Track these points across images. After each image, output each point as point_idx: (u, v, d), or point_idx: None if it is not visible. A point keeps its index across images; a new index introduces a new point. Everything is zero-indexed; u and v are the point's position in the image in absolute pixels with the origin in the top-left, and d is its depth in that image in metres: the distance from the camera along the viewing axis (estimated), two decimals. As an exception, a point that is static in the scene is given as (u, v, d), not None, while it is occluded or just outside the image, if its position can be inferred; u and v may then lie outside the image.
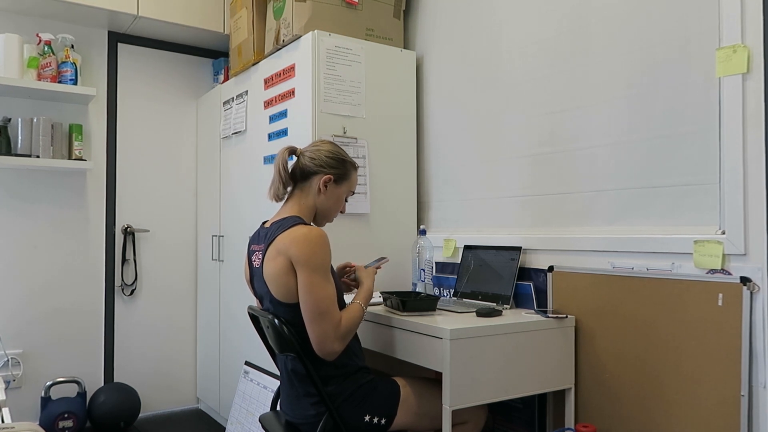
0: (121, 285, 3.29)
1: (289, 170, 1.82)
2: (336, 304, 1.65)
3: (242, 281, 2.90)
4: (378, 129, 2.54)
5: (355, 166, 1.88)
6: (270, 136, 2.66)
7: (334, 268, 1.95)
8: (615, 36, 1.90)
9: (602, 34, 1.94)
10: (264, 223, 1.85)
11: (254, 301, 2.78)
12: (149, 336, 3.37)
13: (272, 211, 2.63)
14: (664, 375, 1.72)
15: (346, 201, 1.89)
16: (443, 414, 1.67)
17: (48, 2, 2.86)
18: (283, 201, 1.85)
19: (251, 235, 1.94)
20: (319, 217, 1.85)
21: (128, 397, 3.07)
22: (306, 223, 1.71)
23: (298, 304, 1.66)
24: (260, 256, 1.74)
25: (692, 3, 1.69)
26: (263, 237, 1.77)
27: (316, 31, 2.38)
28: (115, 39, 3.28)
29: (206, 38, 3.39)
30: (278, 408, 1.93)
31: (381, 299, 2.14)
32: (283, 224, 1.71)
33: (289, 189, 1.83)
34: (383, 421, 1.73)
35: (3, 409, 1.79)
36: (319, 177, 1.79)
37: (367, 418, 1.71)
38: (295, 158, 1.86)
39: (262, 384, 2.60)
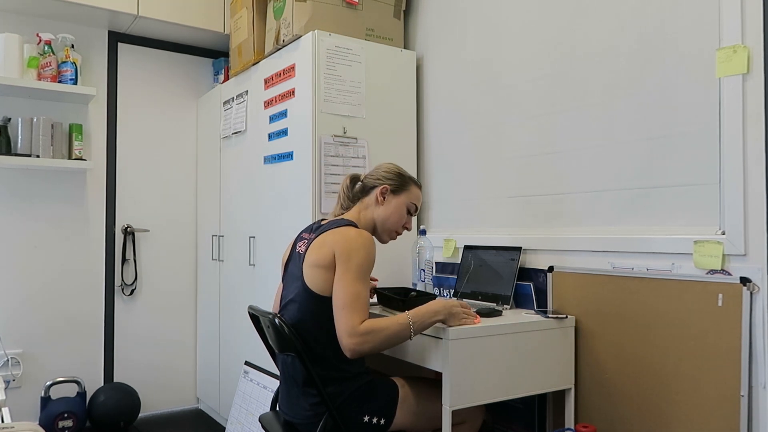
0: (121, 285, 3.29)
1: (351, 194, 1.93)
2: (362, 304, 1.63)
3: (242, 281, 2.90)
4: (378, 129, 2.54)
5: (416, 182, 1.94)
6: (270, 136, 2.66)
7: None
8: (615, 36, 1.90)
9: (602, 34, 1.94)
10: (322, 219, 1.91)
11: (254, 301, 2.78)
12: (149, 336, 3.37)
13: (272, 210, 2.63)
14: (664, 375, 1.72)
15: (410, 215, 1.92)
16: (443, 414, 1.67)
17: (48, 2, 2.86)
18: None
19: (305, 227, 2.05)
20: (381, 231, 1.90)
21: (128, 397, 3.07)
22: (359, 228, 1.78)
23: (323, 297, 1.68)
24: (306, 244, 1.78)
25: (692, 3, 1.69)
26: (315, 228, 1.83)
27: (316, 31, 2.38)
28: (115, 39, 3.28)
29: (206, 38, 3.39)
30: (278, 408, 1.93)
31: (375, 299, 2.14)
32: (338, 222, 1.78)
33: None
34: (382, 422, 1.73)
35: (3, 409, 1.79)
36: (377, 189, 1.87)
37: (366, 418, 1.71)
38: (357, 182, 1.94)
39: (262, 384, 2.60)
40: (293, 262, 1.83)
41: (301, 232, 1.90)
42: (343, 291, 1.63)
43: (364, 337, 1.60)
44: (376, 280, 2.14)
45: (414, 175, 2.67)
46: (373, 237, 1.83)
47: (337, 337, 1.63)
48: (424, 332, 1.75)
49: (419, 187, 1.95)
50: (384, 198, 1.87)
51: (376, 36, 2.61)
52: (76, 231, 3.16)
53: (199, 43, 3.49)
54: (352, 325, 1.59)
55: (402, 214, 1.90)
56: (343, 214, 1.92)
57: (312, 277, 1.70)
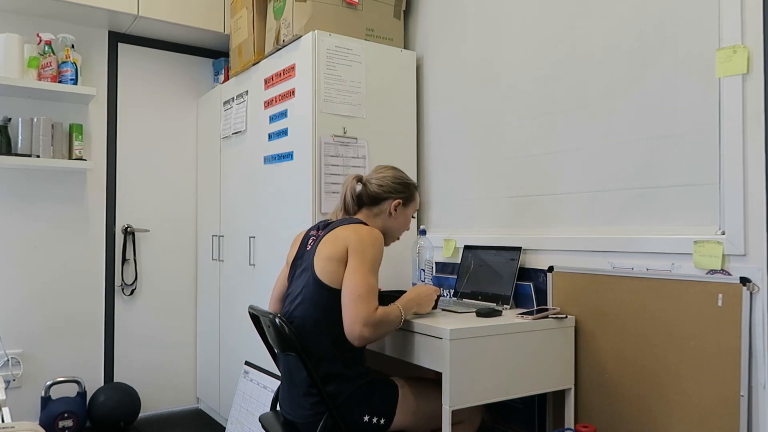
0: (121, 285, 3.29)
1: (358, 200, 1.93)
2: (375, 295, 1.69)
3: (242, 281, 2.90)
4: (378, 129, 2.55)
5: (416, 187, 2.01)
6: (270, 136, 2.66)
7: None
8: (615, 35, 1.90)
9: (602, 35, 1.94)
10: (327, 219, 1.94)
11: (254, 301, 2.78)
12: (149, 336, 3.37)
13: (272, 210, 2.63)
14: (664, 375, 1.72)
15: (412, 217, 2.02)
16: (443, 414, 1.67)
17: (48, 2, 2.86)
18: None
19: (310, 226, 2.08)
20: (387, 237, 1.97)
21: (128, 397, 3.07)
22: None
23: (334, 289, 1.71)
24: (315, 240, 1.82)
25: (692, 3, 1.69)
26: (323, 226, 1.87)
27: (316, 31, 2.38)
28: (116, 39, 3.28)
29: (206, 38, 3.39)
30: (278, 408, 1.93)
31: None
32: (350, 221, 1.83)
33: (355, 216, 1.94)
34: (382, 421, 1.74)
35: (3, 409, 1.79)
36: (389, 202, 1.92)
37: (366, 418, 1.71)
38: (361, 185, 1.94)
39: (262, 384, 2.61)
40: (302, 259, 1.85)
41: (309, 230, 1.93)
42: (359, 281, 1.67)
43: (377, 327, 1.66)
44: None
45: (414, 175, 2.67)
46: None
47: (348, 324, 1.65)
48: (423, 332, 1.76)
49: (418, 189, 2.02)
50: (396, 211, 1.93)
51: (376, 36, 2.61)
52: (76, 231, 3.16)
53: (199, 43, 3.49)
54: (368, 314, 1.64)
55: (408, 222, 1.99)
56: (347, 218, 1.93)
57: (324, 270, 1.72)
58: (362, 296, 1.65)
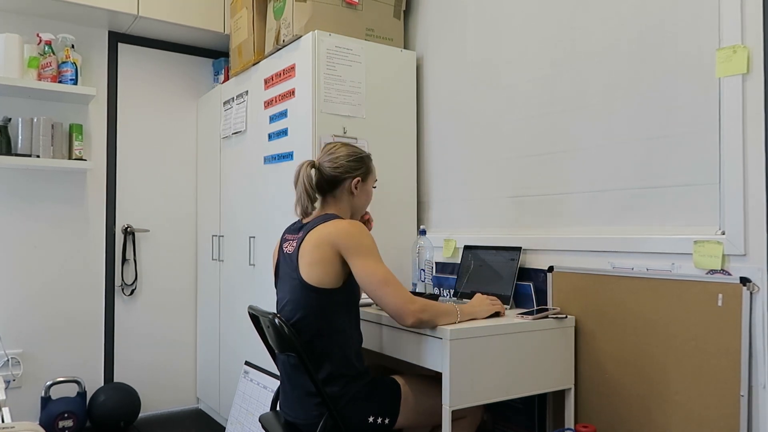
0: (121, 285, 3.29)
1: (316, 186, 1.85)
2: (397, 280, 1.69)
3: (242, 281, 2.90)
4: (378, 129, 2.55)
5: (370, 158, 1.95)
6: (270, 136, 2.66)
7: None
8: (614, 34, 1.90)
9: (602, 34, 1.94)
10: (301, 219, 1.90)
11: (254, 301, 2.78)
12: (149, 336, 3.37)
13: (272, 210, 2.63)
14: (664, 375, 1.72)
15: (373, 188, 1.98)
16: (443, 414, 1.67)
17: (48, 2, 2.86)
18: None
19: (287, 226, 2.05)
20: (354, 215, 1.93)
21: (128, 397, 3.07)
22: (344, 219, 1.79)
23: (327, 290, 1.70)
24: (294, 244, 1.79)
25: (692, 3, 1.69)
26: (298, 228, 1.83)
27: (316, 31, 2.38)
28: (116, 39, 3.28)
29: (206, 38, 3.39)
30: (278, 408, 1.93)
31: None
32: (324, 218, 1.78)
33: (317, 203, 1.87)
34: (387, 421, 1.74)
35: (3, 409, 1.79)
36: (348, 182, 1.85)
37: (371, 419, 1.71)
38: (315, 171, 1.87)
39: (262, 384, 2.61)
40: (283, 263, 1.83)
41: (284, 234, 1.90)
42: (376, 272, 1.67)
43: (422, 304, 1.67)
44: None
45: (414, 175, 2.67)
46: None
47: (394, 309, 1.66)
48: (424, 332, 1.76)
49: (371, 159, 1.95)
50: (356, 188, 1.87)
51: (376, 36, 2.61)
52: (76, 231, 3.16)
53: (199, 43, 3.49)
54: (407, 296, 1.66)
55: (370, 195, 1.94)
56: (314, 211, 1.86)
57: (311, 273, 1.70)
58: (387, 283, 1.66)
